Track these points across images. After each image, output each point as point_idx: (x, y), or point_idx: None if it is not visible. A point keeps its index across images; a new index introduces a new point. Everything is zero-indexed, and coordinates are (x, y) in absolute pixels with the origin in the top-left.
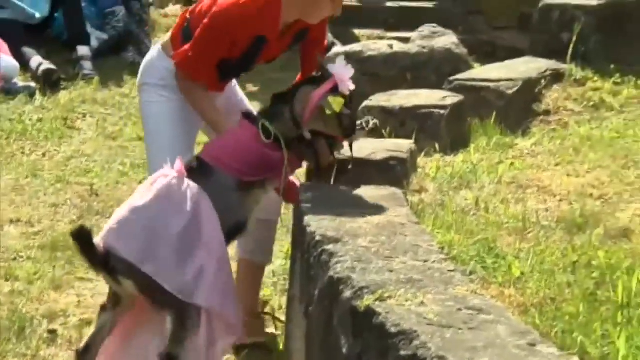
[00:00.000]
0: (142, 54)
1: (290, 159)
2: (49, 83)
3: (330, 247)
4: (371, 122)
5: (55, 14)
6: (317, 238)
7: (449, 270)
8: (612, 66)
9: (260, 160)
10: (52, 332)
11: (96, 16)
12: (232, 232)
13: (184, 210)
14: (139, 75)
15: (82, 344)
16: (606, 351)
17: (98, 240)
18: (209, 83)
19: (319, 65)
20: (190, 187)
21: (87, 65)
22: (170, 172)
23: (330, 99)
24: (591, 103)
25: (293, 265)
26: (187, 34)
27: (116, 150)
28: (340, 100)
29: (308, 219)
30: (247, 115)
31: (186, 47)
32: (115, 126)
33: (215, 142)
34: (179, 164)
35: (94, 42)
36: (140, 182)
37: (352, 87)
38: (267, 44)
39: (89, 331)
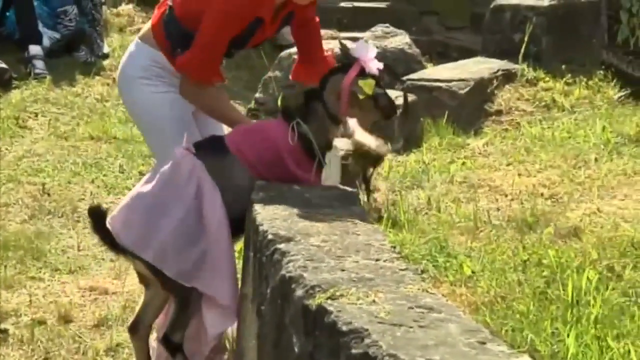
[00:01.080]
0: (95, 53)
1: (315, 171)
2: (1, 82)
3: (282, 246)
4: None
5: (7, 13)
6: (269, 237)
7: (400, 269)
8: (564, 66)
9: (279, 165)
10: (4, 331)
11: (48, 15)
12: (237, 224)
13: (186, 194)
14: (120, 74)
15: (130, 321)
16: (556, 349)
17: (108, 220)
18: (218, 76)
19: (343, 51)
20: (195, 167)
21: (39, 64)
22: (178, 153)
23: (361, 82)
24: (542, 103)
25: (245, 265)
26: (171, 23)
27: (68, 150)
28: (371, 82)
29: (260, 217)
30: (285, 111)
31: (193, 49)
32: (68, 126)
33: (242, 129)
34: (186, 141)
35: (46, 42)
36: (92, 182)
37: (381, 65)
38: (263, 26)
39: (137, 308)
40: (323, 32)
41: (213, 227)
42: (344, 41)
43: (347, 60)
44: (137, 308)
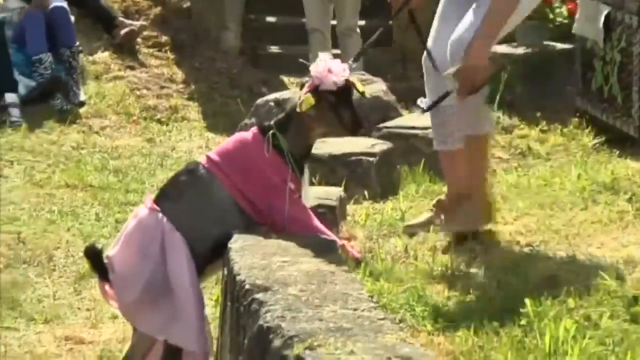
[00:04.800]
0: (71, 101)
1: (293, 177)
2: None
3: (259, 295)
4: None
5: None
6: (247, 287)
7: (378, 319)
8: (539, 114)
9: (261, 178)
10: None
11: (23, 63)
12: (220, 244)
13: (151, 254)
14: None
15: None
16: None
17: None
18: None
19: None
20: (160, 224)
21: (15, 112)
22: (142, 210)
23: (303, 97)
24: (518, 150)
25: (223, 314)
26: None
27: (44, 198)
28: (309, 100)
29: (238, 267)
30: (260, 126)
31: None
32: (43, 173)
33: (221, 148)
34: (149, 200)
35: (22, 89)
36: (68, 230)
37: (338, 80)
38: None
39: (125, 348)
40: (298, 78)
41: (178, 282)
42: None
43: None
44: (126, 348)
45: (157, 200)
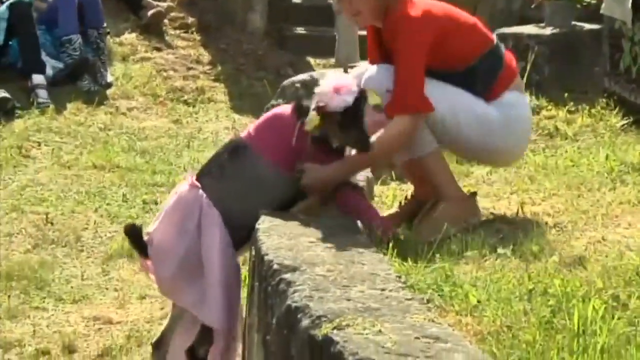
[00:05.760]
0: (98, 82)
1: (319, 149)
2: (4, 111)
3: (287, 275)
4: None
5: (10, 42)
6: (275, 267)
7: (406, 299)
8: (566, 95)
9: (291, 146)
10: None
11: (51, 44)
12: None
13: (188, 230)
14: None
15: (155, 337)
16: None
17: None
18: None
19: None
20: (199, 200)
21: (42, 93)
22: (183, 185)
23: (310, 116)
24: (545, 131)
25: (250, 294)
26: None
27: (71, 179)
28: (314, 121)
29: (265, 247)
30: (298, 105)
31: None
32: (71, 155)
33: (259, 123)
34: (190, 176)
35: (49, 71)
36: (96, 211)
37: (345, 101)
38: None
39: (164, 323)
40: (324, 60)
41: (209, 260)
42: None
43: None
44: (164, 324)
45: (198, 177)
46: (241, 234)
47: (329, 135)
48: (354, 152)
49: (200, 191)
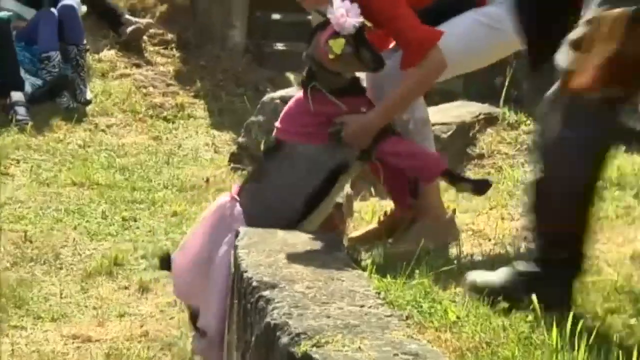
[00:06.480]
0: (77, 99)
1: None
2: None
3: (266, 293)
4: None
5: None
6: (254, 284)
7: (385, 315)
8: None
9: (312, 114)
10: None
11: (30, 61)
12: (313, 197)
13: (216, 241)
14: None
15: None
16: None
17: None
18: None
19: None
20: (236, 216)
21: (21, 111)
22: (224, 199)
23: (331, 42)
24: (524, 146)
25: (230, 312)
26: None
27: (50, 197)
28: (340, 41)
29: (245, 264)
30: (301, 81)
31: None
32: (50, 172)
33: (284, 114)
34: (235, 188)
35: (28, 88)
36: (75, 228)
37: (356, 21)
38: None
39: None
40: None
41: (217, 268)
42: None
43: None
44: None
45: (243, 185)
46: (296, 213)
47: (347, 61)
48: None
49: (238, 206)
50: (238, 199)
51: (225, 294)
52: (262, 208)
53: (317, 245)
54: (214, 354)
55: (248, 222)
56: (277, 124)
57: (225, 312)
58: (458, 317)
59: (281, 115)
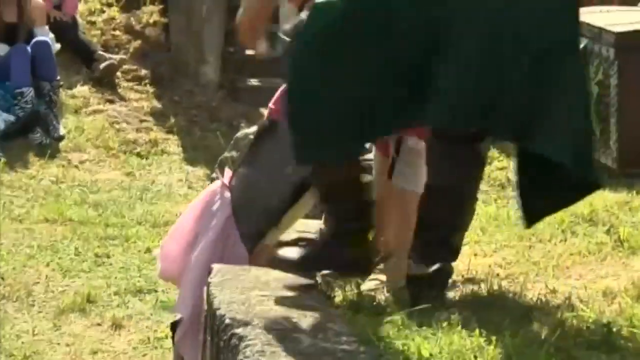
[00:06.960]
0: (50, 135)
1: None
2: None
3: (239, 330)
4: None
5: None
6: (227, 321)
7: (358, 352)
8: None
9: None
10: None
11: (3, 97)
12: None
13: (204, 217)
14: None
15: None
16: None
17: None
18: None
19: None
20: (225, 202)
21: None
22: (215, 185)
23: None
24: (497, 182)
25: (203, 349)
26: None
27: (23, 233)
28: None
29: (217, 301)
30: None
31: None
32: (22, 208)
33: (276, 97)
34: (227, 174)
35: (1, 124)
36: (48, 265)
37: None
38: None
39: None
40: None
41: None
42: None
43: None
44: None
45: (236, 170)
46: (283, 202)
47: None
48: None
49: (227, 192)
50: (229, 185)
51: (200, 281)
52: (252, 196)
53: (290, 282)
54: (187, 343)
55: (236, 211)
56: (271, 104)
57: (198, 299)
58: (431, 354)
59: (275, 97)
